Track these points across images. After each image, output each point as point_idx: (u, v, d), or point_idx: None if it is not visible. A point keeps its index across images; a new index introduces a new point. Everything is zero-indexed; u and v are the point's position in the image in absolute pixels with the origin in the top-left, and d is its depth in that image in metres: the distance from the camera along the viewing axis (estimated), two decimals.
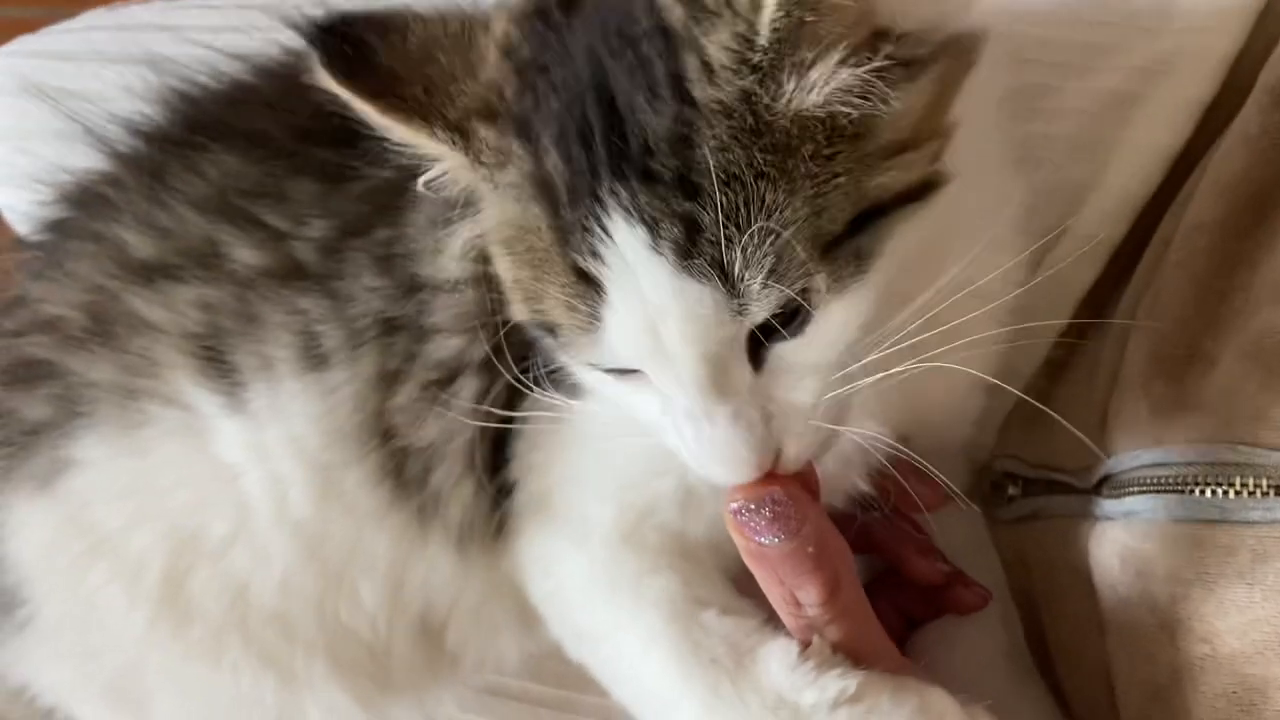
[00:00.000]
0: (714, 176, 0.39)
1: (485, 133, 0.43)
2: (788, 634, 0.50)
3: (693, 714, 0.50)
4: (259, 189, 0.55)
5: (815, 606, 0.47)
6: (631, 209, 0.40)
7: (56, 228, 0.62)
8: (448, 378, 0.53)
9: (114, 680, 0.58)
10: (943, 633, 0.61)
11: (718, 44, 0.41)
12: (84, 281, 0.58)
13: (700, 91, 0.40)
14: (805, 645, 0.49)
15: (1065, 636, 0.59)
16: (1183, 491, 0.49)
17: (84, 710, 0.61)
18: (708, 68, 0.41)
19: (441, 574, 0.57)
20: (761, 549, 0.46)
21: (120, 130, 0.61)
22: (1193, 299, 0.52)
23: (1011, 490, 0.62)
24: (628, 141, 0.41)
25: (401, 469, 0.55)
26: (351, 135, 0.53)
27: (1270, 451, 0.47)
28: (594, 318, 0.42)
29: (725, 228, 0.40)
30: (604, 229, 0.41)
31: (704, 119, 0.40)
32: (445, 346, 0.53)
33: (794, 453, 0.44)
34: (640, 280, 0.41)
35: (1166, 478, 0.50)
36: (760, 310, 0.41)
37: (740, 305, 0.41)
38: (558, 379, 0.50)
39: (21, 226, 0.67)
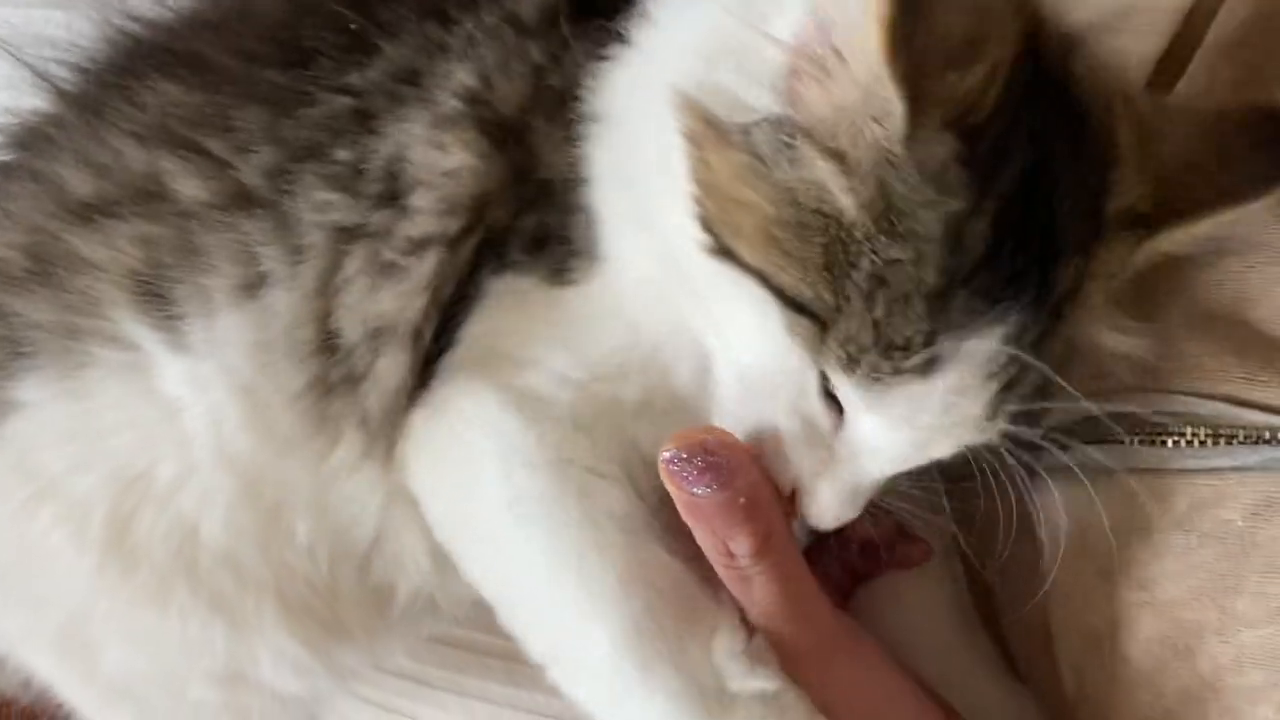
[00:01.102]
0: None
1: (936, 136, 0.41)
2: (731, 608, 0.50)
3: (615, 632, 0.49)
4: (200, 118, 0.54)
5: (747, 557, 0.47)
6: (1011, 340, 0.42)
7: (0, 170, 0.61)
8: (411, 252, 0.52)
9: (63, 629, 0.58)
10: (890, 588, 0.61)
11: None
12: (24, 222, 0.57)
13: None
14: (750, 634, 0.49)
15: (1007, 588, 0.60)
16: (1122, 442, 0.50)
17: (34, 658, 0.61)
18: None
19: (359, 494, 0.55)
20: (694, 499, 0.46)
21: (66, 70, 0.60)
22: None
23: None
24: (1051, 286, 0.43)
25: (327, 375, 0.53)
26: (303, 55, 0.53)
27: (1206, 400, 0.48)
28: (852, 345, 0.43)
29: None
30: (964, 328, 0.42)
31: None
32: (419, 225, 0.52)
33: (828, 521, 0.48)
34: (953, 376, 0.43)
35: (1105, 428, 0.51)
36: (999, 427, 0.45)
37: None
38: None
39: None
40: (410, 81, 0.53)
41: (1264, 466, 0.47)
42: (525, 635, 0.53)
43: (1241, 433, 0.47)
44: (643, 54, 0.50)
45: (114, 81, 0.57)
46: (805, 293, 0.43)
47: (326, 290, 0.53)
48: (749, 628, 0.49)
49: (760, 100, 0.43)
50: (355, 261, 0.52)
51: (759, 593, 0.48)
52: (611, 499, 0.51)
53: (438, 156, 0.52)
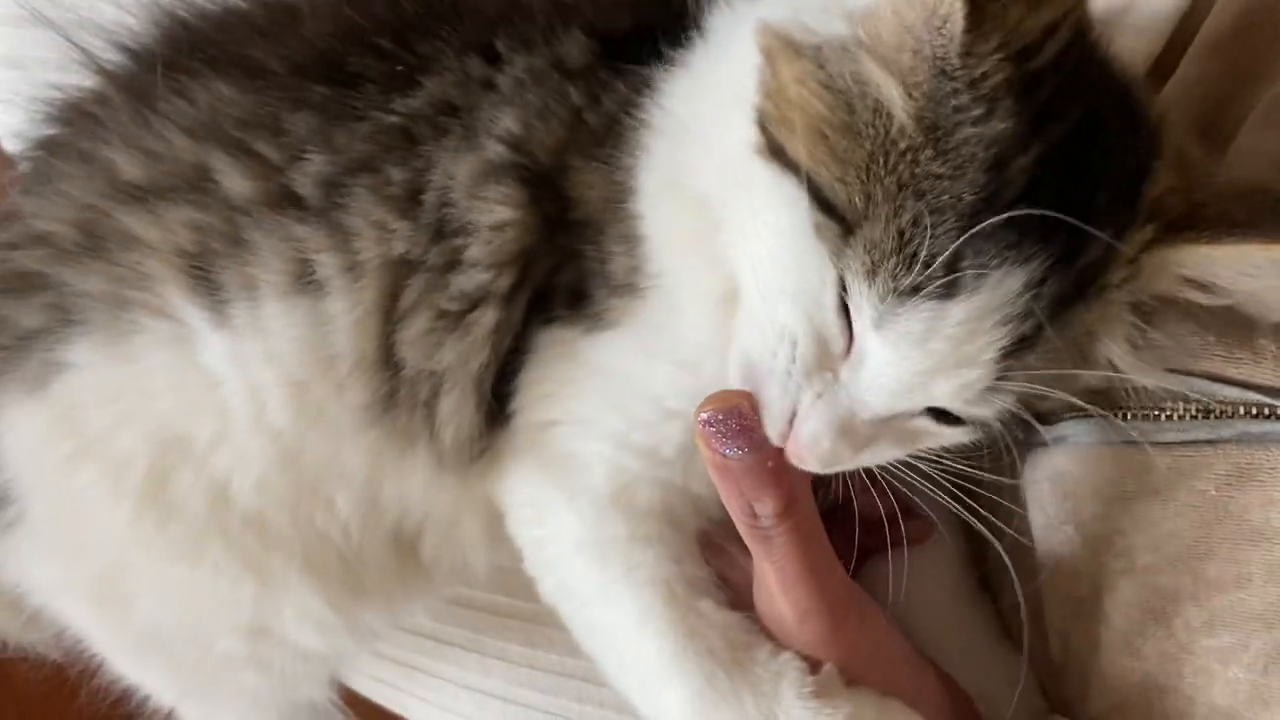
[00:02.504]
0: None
1: (993, 60, 0.41)
2: (791, 654, 0.53)
3: (683, 698, 0.53)
4: (253, 119, 0.56)
5: (770, 518, 0.49)
6: (1031, 287, 0.42)
7: (45, 145, 0.64)
8: (469, 308, 0.55)
9: (98, 578, 0.61)
10: (894, 560, 0.64)
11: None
12: (75, 200, 0.59)
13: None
14: (814, 669, 0.52)
15: (1000, 556, 0.62)
16: (1106, 416, 0.53)
17: (71, 609, 0.64)
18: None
19: (418, 490, 0.59)
20: (725, 460, 0.48)
21: (109, 48, 0.62)
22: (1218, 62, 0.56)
23: None
24: (1080, 251, 0.43)
25: (395, 392, 0.56)
26: (349, 77, 0.55)
27: (1186, 377, 0.50)
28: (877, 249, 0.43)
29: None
30: (990, 258, 0.42)
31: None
32: (474, 280, 0.54)
33: (816, 452, 0.47)
34: (969, 307, 0.43)
35: (1091, 403, 0.53)
36: (1003, 400, 0.45)
37: (1000, 379, 0.44)
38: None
39: (16, 146, 0.69)
40: (452, 114, 0.55)
41: (1237, 439, 0.49)
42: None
43: (1218, 407, 0.50)
44: (705, 63, 0.53)
45: (164, 71, 0.59)
46: (840, 193, 0.44)
47: (389, 315, 0.55)
48: (812, 664, 0.52)
49: (835, 27, 0.45)
50: (412, 294, 0.55)
51: (779, 553, 0.50)
52: (656, 567, 0.55)
53: (480, 209, 0.54)
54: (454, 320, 0.55)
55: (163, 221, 0.57)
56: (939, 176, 0.42)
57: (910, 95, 0.42)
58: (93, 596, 0.62)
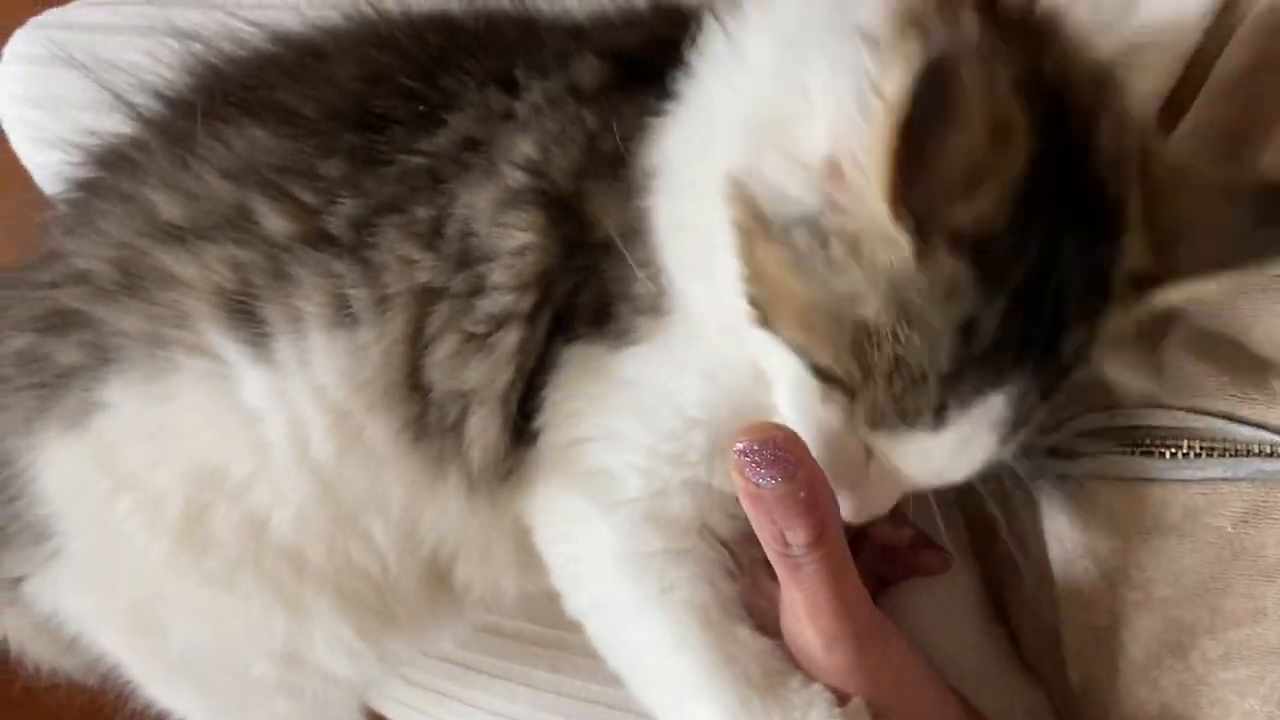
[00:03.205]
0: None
1: (945, 259, 0.44)
2: (821, 685, 0.53)
3: (715, 716, 0.54)
4: (289, 165, 0.58)
5: (801, 547, 0.50)
6: (1017, 405, 0.47)
7: (86, 186, 0.65)
8: (493, 329, 0.56)
9: (134, 608, 0.62)
10: (911, 587, 0.65)
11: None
12: (114, 239, 0.60)
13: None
14: (843, 701, 0.53)
15: (1018, 587, 0.64)
16: (1125, 453, 0.54)
17: (106, 637, 0.64)
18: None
19: (452, 516, 0.60)
20: (759, 490, 0.49)
21: (147, 97, 0.64)
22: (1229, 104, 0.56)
23: None
24: (1056, 356, 0.47)
25: (424, 415, 0.57)
26: (376, 120, 0.57)
27: (1202, 416, 0.52)
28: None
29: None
30: (972, 398, 0.46)
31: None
32: (498, 302, 0.56)
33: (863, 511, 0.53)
34: (960, 431, 0.47)
35: (1112, 440, 0.55)
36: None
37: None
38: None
39: (52, 186, 0.70)
40: (474, 149, 0.57)
41: (1252, 477, 0.50)
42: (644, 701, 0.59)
43: (1234, 446, 0.51)
44: (694, 113, 0.54)
45: (200, 117, 0.61)
46: (836, 369, 0.48)
47: (415, 342, 0.56)
48: (840, 697, 0.53)
49: (801, 197, 0.47)
50: (438, 320, 0.56)
51: (809, 581, 0.51)
52: (692, 588, 0.56)
53: (502, 235, 0.55)
54: (479, 342, 0.56)
55: (201, 260, 0.58)
56: (916, 349, 0.46)
57: (877, 291, 0.45)
58: (128, 625, 0.63)
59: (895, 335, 0.46)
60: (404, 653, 0.67)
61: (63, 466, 0.60)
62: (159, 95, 0.64)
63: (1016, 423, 0.47)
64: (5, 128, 0.82)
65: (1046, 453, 0.58)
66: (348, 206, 0.57)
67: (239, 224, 0.58)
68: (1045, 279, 0.45)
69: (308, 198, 0.57)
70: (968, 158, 0.41)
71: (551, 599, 0.70)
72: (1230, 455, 0.51)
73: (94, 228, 0.62)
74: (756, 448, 0.48)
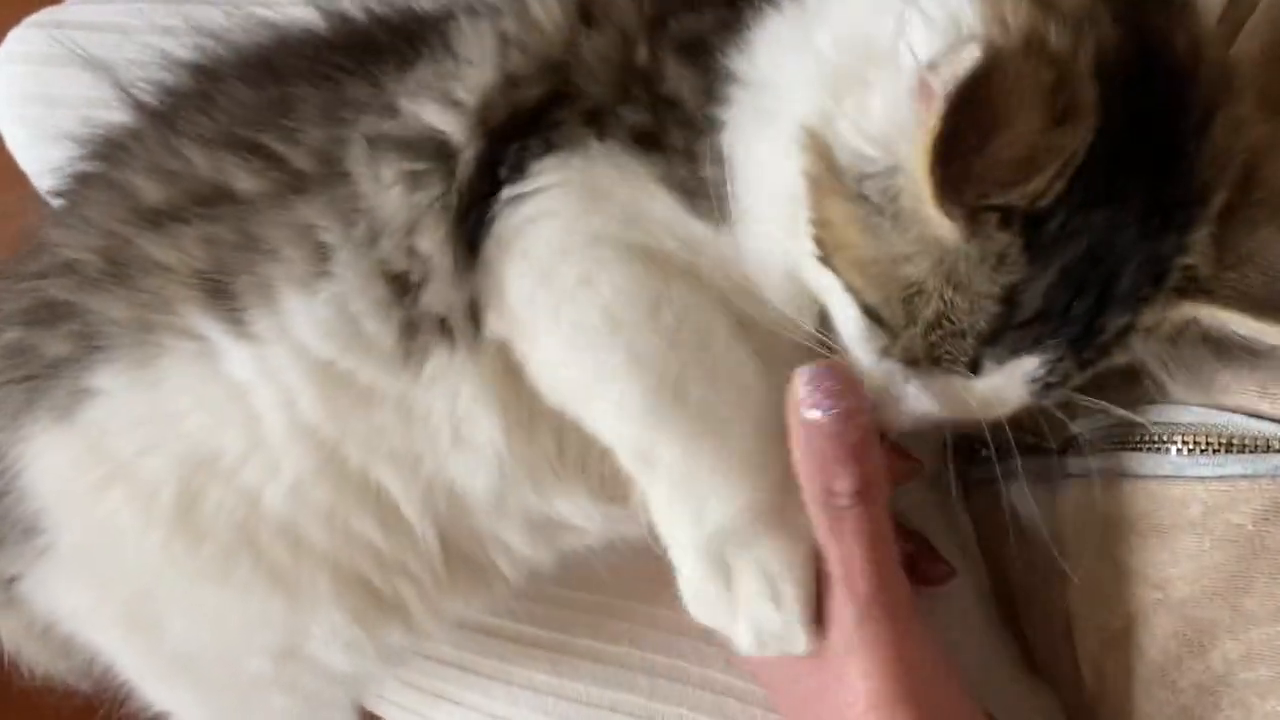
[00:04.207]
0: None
1: (994, 235, 0.44)
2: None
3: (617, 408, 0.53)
4: (260, 116, 0.58)
5: (847, 496, 0.49)
6: (1050, 371, 0.47)
7: (78, 178, 0.65)
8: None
9: (129, 603, 0.61)
10: (921, 595, 0.63)
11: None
12: (99, 228, 0.60)
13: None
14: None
15: (1030, 589, 0.63)
16: (1142, 449, 0.53)
17: (102, 635, 0.63)
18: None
19: (447, 401, 0.57)
20: (812, 425, 0.49)
21: (147, 87, 0.63)
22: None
23: (984, 451, 0.65)
24: (1097, 334, 0.47)
25: (411, 319, 0.56)
26: (377, 49, 0.58)
27: (1222, 412, 0.51)
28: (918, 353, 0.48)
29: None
30: (1008, 357, 0.47)
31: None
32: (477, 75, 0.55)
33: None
34: (992, 382, 0.48)
35: (1127, 437, 0.54)
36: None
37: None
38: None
39: (47, 183, 0.69)
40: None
41: (1273, 474, 0.49)
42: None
43: (1254, 442, 0.50)
44: (786, 32, 0.52)
45: (190, 93, 0.61)
46: (884, 312, 0.48)
47: (380, 234, 0.55)
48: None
49: (874, 153, 0.46)
50: (386, 162, 0.55)
51: (849, 537, 0.50)
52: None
53: (511, 20, 0.55)
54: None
55: (179, 244, 0.57)
56: (960, 308, 0.46)
57: (928, 252, 0.46)
58: (123, 622, 0.62)
59: (941, 295, 0.46)
60: (400, 647, 0.65)
61: (52, 458, 0.60)
62: (157, 87, 0.64)
63: (1050, 383, 0.48)
64: (1, 126, 0.81)
65: (1062, 449, 0.57)
66: (316, 135, 0.57)
67: (212, 196, 0.58)
68: (1101, 258, 0.45)
69: (277, 145, 0.57)
70: (1018, 149, 0.41)
71: (549, 602, 0.69)
72: (1250, 451, 0.50)
73: (81, 217, 0.62)
74: (819, 375, 0.49)
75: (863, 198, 0.47)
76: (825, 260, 0.49)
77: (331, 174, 0.56)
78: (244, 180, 0.57)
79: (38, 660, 0.67)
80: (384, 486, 0.58)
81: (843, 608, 0.50)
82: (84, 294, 0.59)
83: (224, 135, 0.58)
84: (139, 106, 0.64)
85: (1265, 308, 0.45)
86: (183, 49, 0.64)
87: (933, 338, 0.47)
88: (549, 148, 0.54)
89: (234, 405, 0.57)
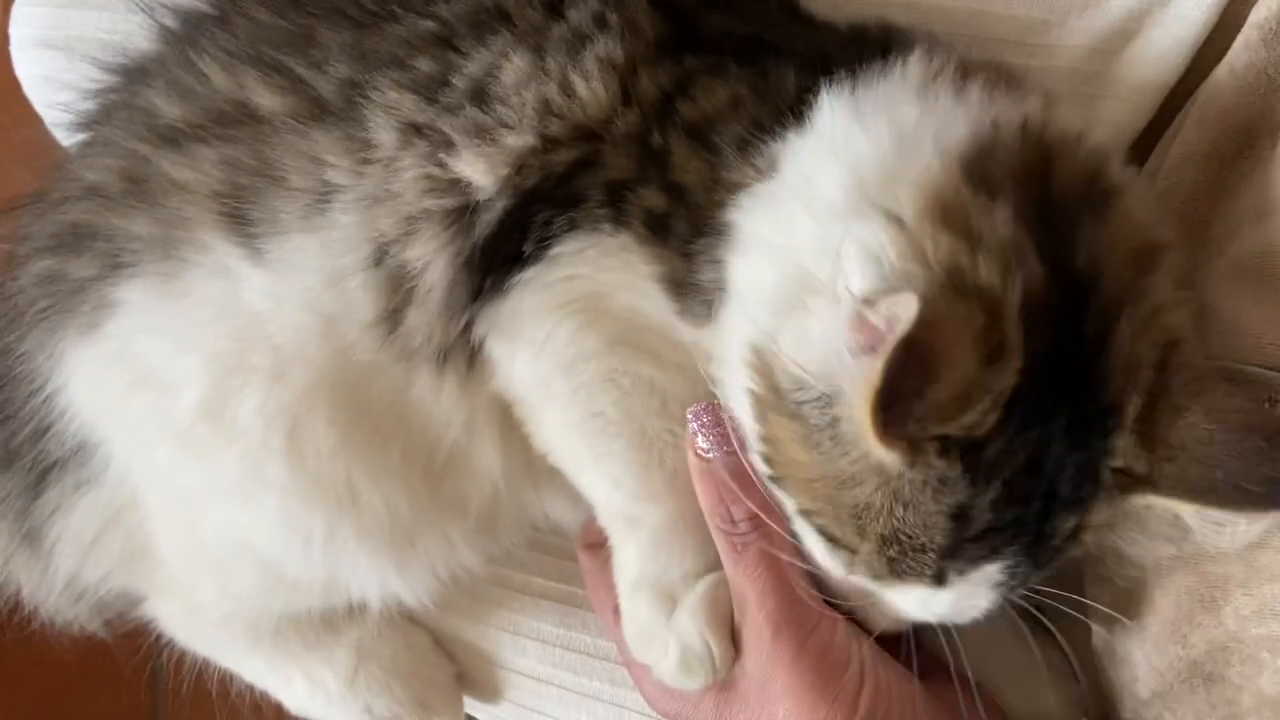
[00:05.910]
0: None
1: (934, 463, 0.45)
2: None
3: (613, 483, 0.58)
4: (287, 39, 0.58)
5: (745, 522, 0.53)
6: (1011, 575, 0.49)
7: (98, 107, 0.65)
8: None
9: (169, 504, 0.62)
10: None
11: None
12: (119, 148, 0.61)
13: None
14: None
15: None
16: None
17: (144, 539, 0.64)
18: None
19: (439, 411, 0.60)
20: (708, 461, 0.53)
21: (176, 18, 0.64)
22: (1177, 226, 0.55)
23: None
24: (1049, 538, 0.48)
25: (391, 305, 0.57)
26: None
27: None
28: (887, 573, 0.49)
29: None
30: (967, 567, 0.48)
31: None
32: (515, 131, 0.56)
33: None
34: (959, 590, 0.49)
35: None
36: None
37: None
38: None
39: (63, 127, 0.69)
40: (499, 19, 0.57)
41: None
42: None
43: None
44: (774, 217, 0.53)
45: (212, 13, 0.62)
46: (835, 532, 0.50)
47: (382, 201, 0.56)
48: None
49: (812, 380, 0.47)
50: (412, 156, 0.56)
51: (752, 563, 0.53)
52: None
53: (556, 85, 0.55)
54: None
55: (196, 164, 0.58)
56: (912, 526, 0.47)
57: (873, 475, 0.47)
58: (160, 509, 0.63)
59: (891, 513, 0.47)
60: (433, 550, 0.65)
61: (85, 372, 0.60)
62: (178, 12, 0.64)
63: (1014, 585, 0.49)
64: (19, 70, 0.81)
65: None
66: (342, 68, 0.57)
67: (230, 115, 0.58)
68: (1037, 470, 0.46)
69: (301, 69, 0.58)
70: (954, 389, 0.42)
71: (557, 554, 0.70)
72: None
73: (102, 140, 0.63)
74: (707, 417, 0.53)
75: (804, 417, 0.48)
76: (777, 481, 0.51)
77: (352, 114, 0.57)
78: (264, 97, 0.58)
79: (58, 609, 0.68)
80: (380, 435, 0.59)
81: (759, 630, 0.53)
82: (107, 214, 0.60)
83: (248, 52, 0.59)
84: (163, 31, 0.64)
85: (1206, 493, 0.46)
86: None
87: (890, 553, 0.48)
88: (572, 226, 0.56)
89: (256, 328, 0.58)
